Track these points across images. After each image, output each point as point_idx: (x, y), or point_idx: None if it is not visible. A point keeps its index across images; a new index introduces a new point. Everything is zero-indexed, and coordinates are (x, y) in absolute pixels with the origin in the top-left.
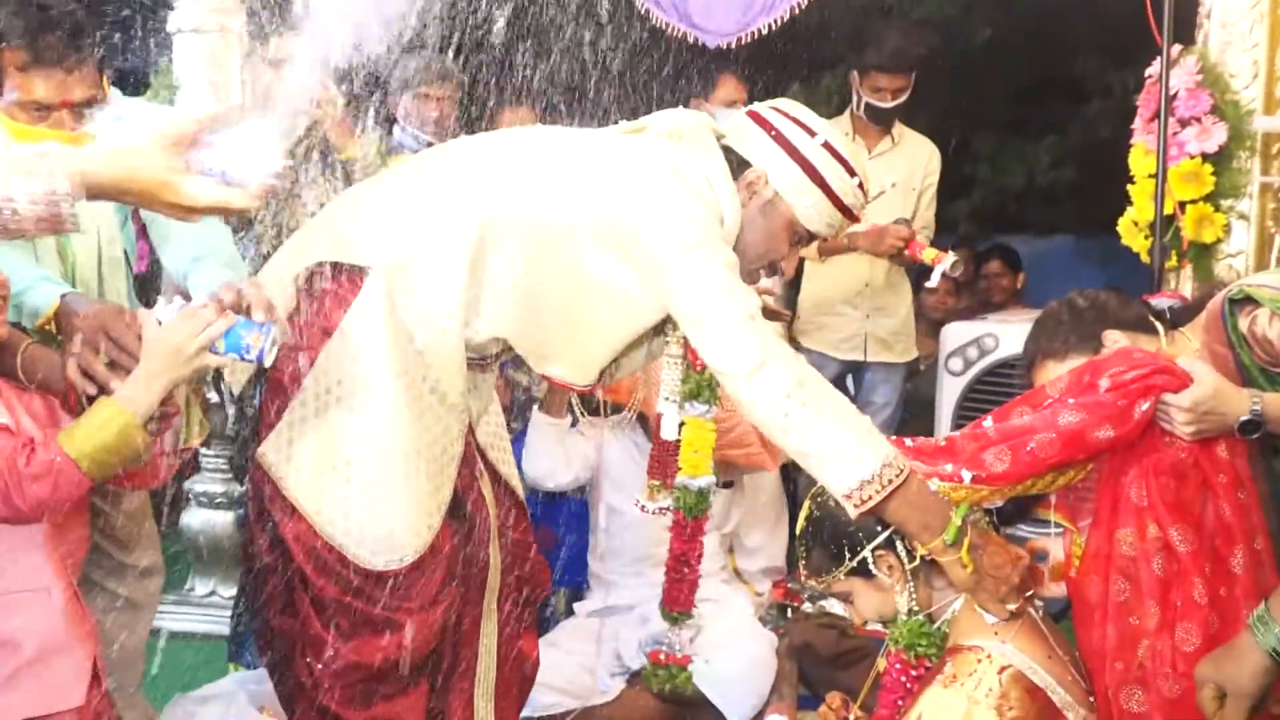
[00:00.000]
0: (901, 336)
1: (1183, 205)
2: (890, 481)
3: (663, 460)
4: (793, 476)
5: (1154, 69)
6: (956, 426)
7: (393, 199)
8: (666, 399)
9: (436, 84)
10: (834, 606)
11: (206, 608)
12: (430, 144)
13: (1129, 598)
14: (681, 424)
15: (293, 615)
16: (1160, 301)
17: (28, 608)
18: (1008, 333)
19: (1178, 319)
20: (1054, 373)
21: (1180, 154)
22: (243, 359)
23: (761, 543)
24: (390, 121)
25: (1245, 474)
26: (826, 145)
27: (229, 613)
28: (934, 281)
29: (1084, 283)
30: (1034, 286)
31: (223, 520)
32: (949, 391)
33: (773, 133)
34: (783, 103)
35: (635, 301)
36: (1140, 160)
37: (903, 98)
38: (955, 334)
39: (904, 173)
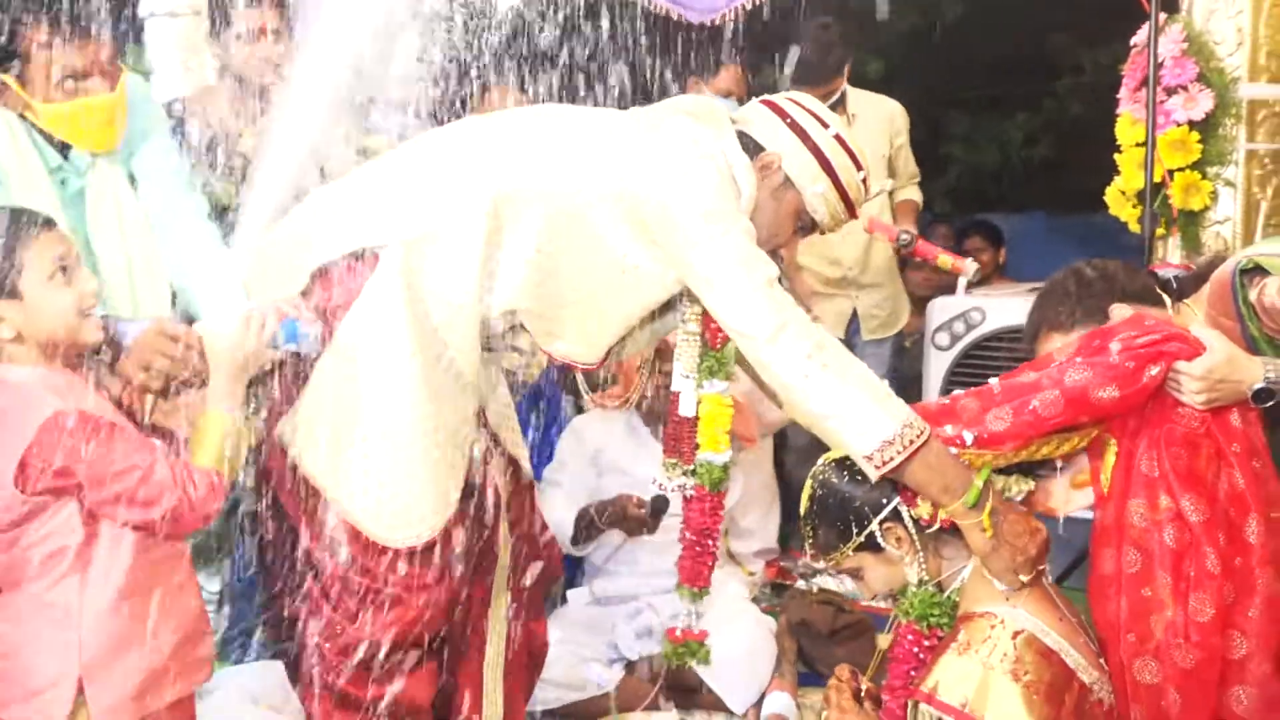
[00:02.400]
0: (889, 311)
1: (1170, 173)
2: (911, 442)
3: (678, 437)
4: (783, 459)
5: (1139, 37)
6: None
7: (406, 177)
8: (684, 376)
9: (415, 64)
10: (827, 583)
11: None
12: (410, 126)
13: (1141, 569)
14: (698, 401)
15: (302, 595)
16: (1165, 271)
17: (180, 603)
18: (994, 307)
19: (1183, 289)
20: (1058, 346)
21: (1167, 122)
22: (298, 347)
23: (756, 525)
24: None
25: (1260, 442)
26: (838, 138)
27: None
28: (960, 293)
29: (1061, 258)
30: (1010, 262)
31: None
32: (936, 366)
33: (788, 120)
34: (796, 94)
35: (647, 276)
36: (1127, 129)
37: (834, 97)
38: (942, 309)
39: (870, 145)
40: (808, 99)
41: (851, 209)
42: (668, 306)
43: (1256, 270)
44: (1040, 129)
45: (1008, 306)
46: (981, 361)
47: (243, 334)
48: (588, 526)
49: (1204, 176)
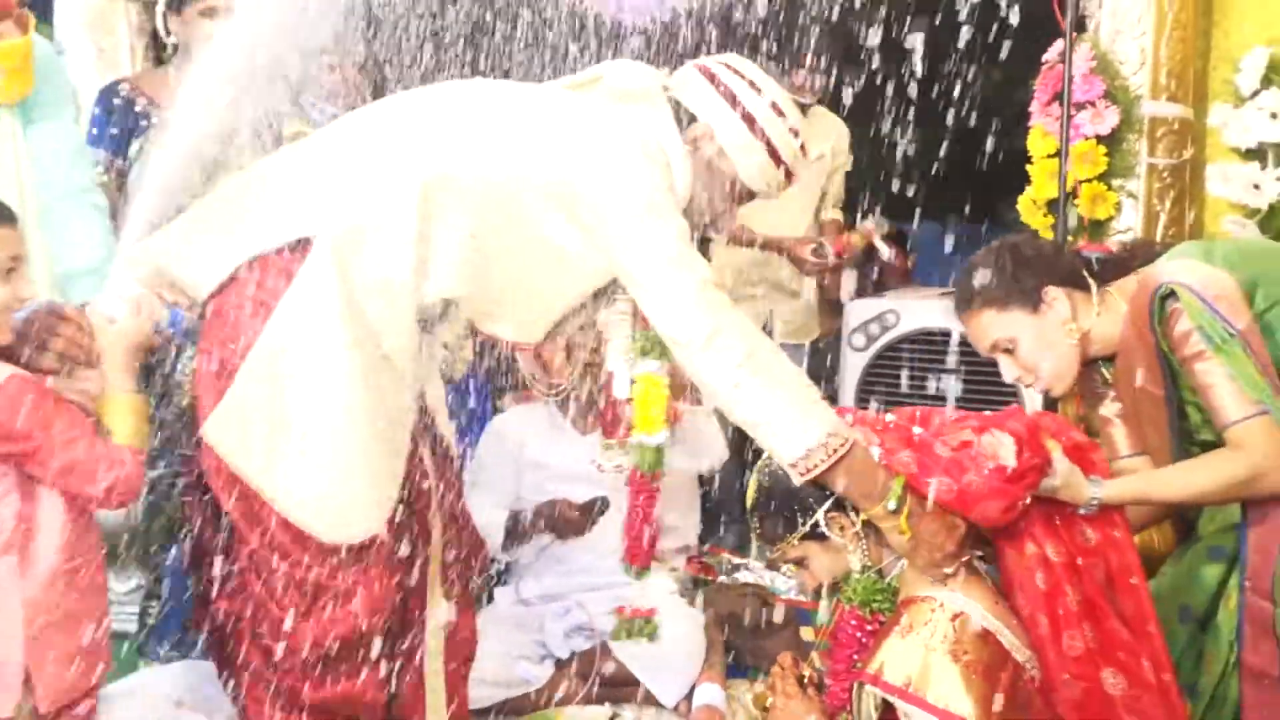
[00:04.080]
0: (805, 318)
1: (1078, 184)
2: (835, 451)
3: (615, 419)
4: None
5: (1050, 55)
6: (859, 399)
7: (331, 164)
8: (618, 357)
9: (341, 54)
10: (746, 577)
11: (128, 604)
12: (335, 116)
13: (1029, 613)
14: (632, 381)
15: (243, 596)
16: (1088, 253)
17: (97, 587)
18: (908, 309)
19: (1104, 274)
20: (990, 322)
21: (1076, 135)
22: (176, 332)
23: (677, 521)
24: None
25: (1121, 516)
26: (773, 105)
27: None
28: (886, 254)
29: (957, 266)
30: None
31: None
32: (852, 366)
33: (720, 88)
34: (732, 58)
35: (584, 262)
36: (1039, 141)
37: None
38: (858, 311)
39: (820, 152)
40: (743, 63)
41: (789, 175)
42: (607, 288)
43: (1171, 294)
44: (938, 141)
45: (921, 309)
46: (896, 362)
47: (133, 318)
48: (519, 531)
49: (1109, 188)
